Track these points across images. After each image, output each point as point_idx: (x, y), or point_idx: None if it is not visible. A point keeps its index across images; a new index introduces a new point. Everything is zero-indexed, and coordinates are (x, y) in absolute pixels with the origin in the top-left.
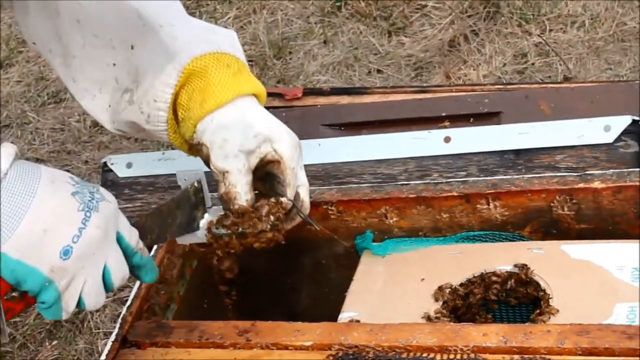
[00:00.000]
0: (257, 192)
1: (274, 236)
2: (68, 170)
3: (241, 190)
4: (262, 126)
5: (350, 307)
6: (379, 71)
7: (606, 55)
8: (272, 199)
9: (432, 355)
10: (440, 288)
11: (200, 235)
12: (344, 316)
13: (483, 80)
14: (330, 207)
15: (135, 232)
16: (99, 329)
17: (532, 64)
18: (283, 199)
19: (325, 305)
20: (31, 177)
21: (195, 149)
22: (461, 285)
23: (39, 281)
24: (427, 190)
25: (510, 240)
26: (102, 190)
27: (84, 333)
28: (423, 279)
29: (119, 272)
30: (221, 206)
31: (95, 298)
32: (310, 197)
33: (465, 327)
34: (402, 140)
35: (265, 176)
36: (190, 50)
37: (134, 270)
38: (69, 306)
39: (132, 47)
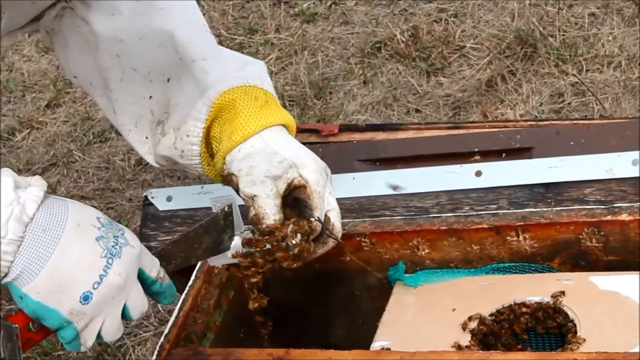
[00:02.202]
0: (287, 219)
1: (301, 256)
2: (112, 208)
3: (269, 212)
4: (287, 153)
5: (383, 336)
6: (417, 110)
7: None
8: (301, 219)
9: None
10: (470, 318)
11: (229, 256)
12: (376, 345)
13: (520, 119)
14: (363, 239)
15: (156, 262)
16: None
17: (569, 103)
18: (311, 219)
19: (359, 336)
20: (58, 220)
21: (226, 180)
22: (491, 315)
23: (58, 321)
24: (458, 222)
25: (540, 272)
26: (127, 233)
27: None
28: (454, 309)
29: (139, 307)
30: (248, 231)
31: (113, 334)
32: (344, 229)
33: (492, 355)
34: (435, 174)
35: (294, 202)
36: (219, 85)
37: (153, 296)
38: (87, 342)
39: (168, 80)
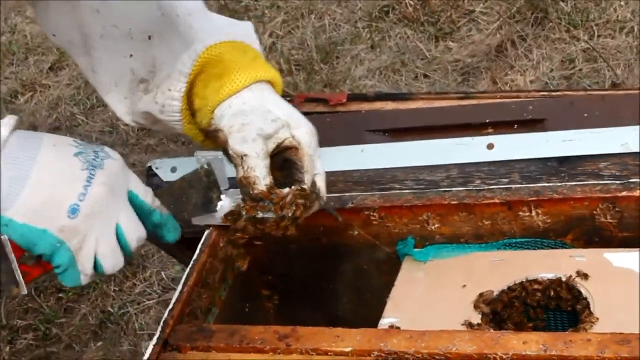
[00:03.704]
0: (274, 179)
1: (291, 224)
2: None
3: (260, 174)
4: (281, 112)
5: (391, 313)
6: (425, 76)
7: None
8: (296, 186)
9: None
10: (481, 295)
11: (217, 217)
12: (385, 322)
13: (530, 85)
14: (372, 213)
15: (149, 191)
16: (143, 330)
17: (580, 69)
18: (305, 186)
19: (367, 310)
20: (32, 142)
21: (212, 136)
22: (502, 292)
23: (50, 242)
24: (469, 197)
25: (552, 248)
26: (107, 149)
27: (128, 334)
28: (464, 286)
29: (134, 231)
30: (238, 189)
31: (112, 260)
32: (352, 203)
33: (505, 335)
34: (445, 146)
35: (283, 163)
36: (205, 39)
37: (155, 230)
38: (85, 268)
39: (149, 38)
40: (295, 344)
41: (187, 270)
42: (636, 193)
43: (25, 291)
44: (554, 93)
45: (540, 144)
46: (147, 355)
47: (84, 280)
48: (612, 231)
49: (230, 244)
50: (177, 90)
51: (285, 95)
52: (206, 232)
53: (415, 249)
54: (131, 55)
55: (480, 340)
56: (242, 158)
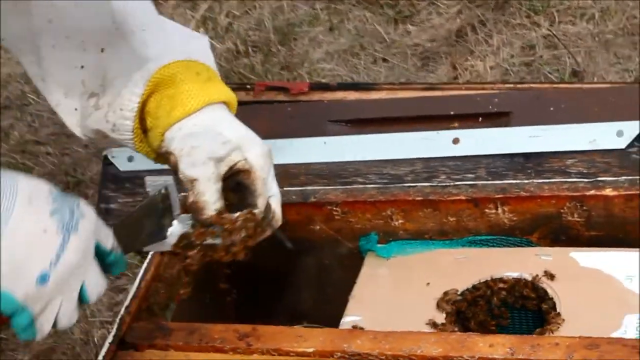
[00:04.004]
0: (227, 203)
1: (241, 250)
2: (67, 154)
3: (210, 199)
4: (232, 134)
5: (353, 311)
6: (384, 60)
7: (615, 49)
8: (245, 211)
9: None
10: (445, 294)
11: (168, 244)
12: (347, 320)
13: (490, 72)
14: (334, 208)
15: (110, 233)
16: (95, 317)
17: (541, 56)
18: (255, 211)
19: (328, 305)
20: (7, 196)
21: (163, 157)
22: (467, 290)
23: (12, 306)
24: (434, 193)
25: (518, 246)
26: (82, 205)
27: (79, 321)
28: (428, 284)
29: (97, 287)
30: (190, 215)
31: (69, 318)
32: (314, 198)
33: (471, 337)
34: (410, 140)
35: (236, 186)
36: (159, 57)
37: (107, 268)
38: (43, 329)
39: (102, 50)
40: (256, 343)
41: (144, 265)
42: (604, 192)
43: None
44: (519, 85)
45: (507, 139)
46: (102, 354)
47: (38, 337)
48: (579, 230)
49: (183, 270)
50: (129, 110)
51: (244, 82)
52: None
53: (379, 245)
54: (82, 67)
55: (445, 342)
56: (192, 182)
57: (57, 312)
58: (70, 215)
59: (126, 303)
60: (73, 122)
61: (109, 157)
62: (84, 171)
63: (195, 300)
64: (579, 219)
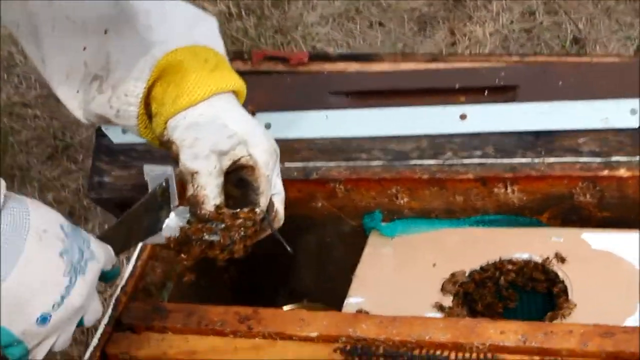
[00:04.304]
0: (229, 197)
1: (239, 249)
2: (56, 118)
3: (210, 194)
4: (238, 127)
5: (357, 292)
6: (380, 24)
7: (617, 15)
8: (246, 209)
9: (445, 353)
10: (452, 275)
11: (163, 237)
12: (351, 302)
13: (489, 38)
14: (338, 185)
15: (112, 255)
16: None
17: (541, 22)
18: (257, 209)
19: (329, 284)
20: (19, 229)
21: (165, 146)
22: (474, 272)
23: (9, 340)
24: (441, 171)
25: (527, 226)
26: (93, 244)
27: None
28: (434, 264)
29: (94, 315)
30: (187, 208)
31: (63, 345)
32: (317, 174)
33: (481, 323)
34: (415, 115)
35: (239, 182)
36: (165, 43)
37: (102, 279)
38: (36, 357)
39: (105, 32)
40: (257, 326)
41: (140, 243)
42: (618, 173)
43: None
44: (525, 59)
45: (516, 116)
46: (98, 335)
47: None
48: (591, 211)
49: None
50: (134, 96)
51: (240, 50)
52: None
53: (383, 223)
54: (84, 49)
55: (455, 328)
56: (192, 175)
57: (53, 344)
58: (80, 256)
59: (122, 282)
60: (75, 106)
61: (103, 128)
62: (73, 135)
63: (192, 279)
64: (591, 200)
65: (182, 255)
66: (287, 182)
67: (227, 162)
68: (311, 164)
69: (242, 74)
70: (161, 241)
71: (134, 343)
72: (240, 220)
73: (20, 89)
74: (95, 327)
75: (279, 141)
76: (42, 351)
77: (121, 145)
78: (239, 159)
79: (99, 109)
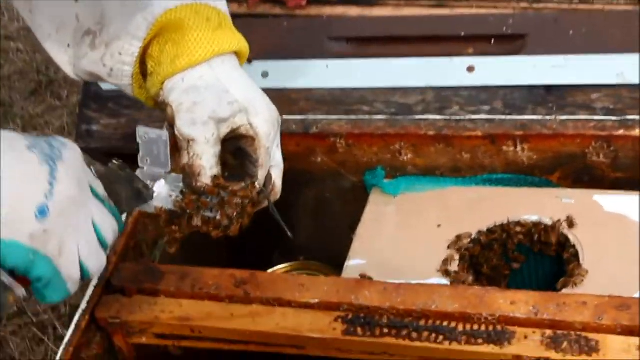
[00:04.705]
0: (225, 167)
1: (236, 228)
2: (38, 51)
3: (207, 164)
4: (240, 94)
5: (358, 254)
6: None
7: None
8: (244, 184)
9: (453, 324)
10: (458, 237)
11: (152, 206)
12: (352, 264)
13: None
14: (339, 140)
15: (98, 180)
16: None
17: None
18: (256, 184)
19: (328, 240)
20: None
21: (160, 107)
22: (481, 233)
23: (22, 255)
24: (448, 127)
25: (537, 186)
26: (59, 137)
27: None
28: (439, 225)
29: (109, 224)
30: (181, 175)
31: (96, 260)
32: (316, 128)
33: (490, 293)
34: (420, 67)
35: (236, 151)
36: (165, 0)
37: None
38: (71, 274)
39: None
40: (254, 291)
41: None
42: (634, 132)
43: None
44: (534, 5)
45: (527, 69)
46: (87, 298)
47: (72, 289)
48: (604, 171)
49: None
50: (129, 55)
51: None
52: None
53: (386, 180)
54: (77, 0)
55: (462, 297)
56: (188, 142)
57: (77, 253)
58: (50, 147)
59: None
60: (64, 61)
61: None
62: (57, 70)
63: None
64: (604, 160)
65: (173, 227)
66: (285, 136)
67: (225, 130)
68: (310, 117)
69: (237, 16)
70: (150, 210)
71: (124, 307)
72: (237, 197)
73: (2, 21)
74: (82, 289)
75: (277, 91)
76: (71, 263)
77: (110, 92)
78: (239, 127)
79: (90, 66)
